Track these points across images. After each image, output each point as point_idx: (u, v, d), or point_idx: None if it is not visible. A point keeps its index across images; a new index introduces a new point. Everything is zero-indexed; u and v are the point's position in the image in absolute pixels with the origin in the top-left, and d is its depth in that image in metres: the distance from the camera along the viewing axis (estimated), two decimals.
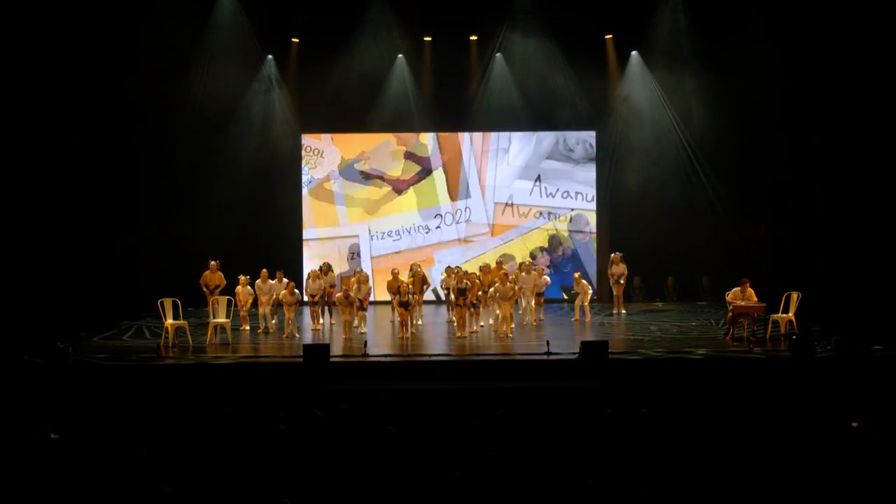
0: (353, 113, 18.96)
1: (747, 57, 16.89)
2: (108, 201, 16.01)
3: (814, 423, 8.25)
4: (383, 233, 18.50)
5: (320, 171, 18.94)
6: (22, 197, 13.68)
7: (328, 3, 18.19)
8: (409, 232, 18.51)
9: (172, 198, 18.02)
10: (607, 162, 19.37)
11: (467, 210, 18.64)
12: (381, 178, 18.88)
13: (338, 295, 14.70)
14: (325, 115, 19.02)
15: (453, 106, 19.27)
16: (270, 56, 18.88)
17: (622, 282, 17.11)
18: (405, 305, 14.37)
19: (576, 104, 18.96)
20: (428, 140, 19.05)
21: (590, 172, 19.23)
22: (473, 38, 19.07)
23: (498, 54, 19.06)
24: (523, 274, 15.59)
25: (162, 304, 13.87)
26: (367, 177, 18.82)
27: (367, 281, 14.96)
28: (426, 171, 18.92)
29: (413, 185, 18.87)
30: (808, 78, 15.31)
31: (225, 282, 15.47)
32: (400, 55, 18.94)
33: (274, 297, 14.99)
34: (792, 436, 7.78)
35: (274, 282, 15.09)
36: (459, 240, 18.43)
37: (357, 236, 18.43)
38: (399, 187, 18.83)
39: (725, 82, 17.90)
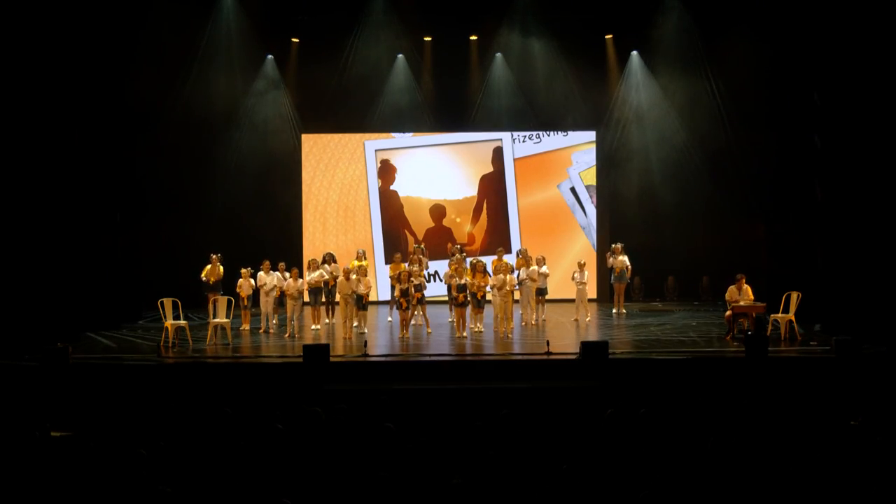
0: (353, 113, 19.01)
1: (747, 56, 16.92)
2: (109, 201, 16.01)
3: (811, 422, 8.25)
4: None
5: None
6: (22, 197, 13.67)
7: (328, 3, 18.22)
8: None
9: (173, 198, 18.06)
10: (607, 162, 19.39)
11: None
12: None
13: (339, 279, 14.69)
14: (325, 115, 19.05)
15: (453, 106, 19.30)
16: (270, 56, 18.91)
17: (627, 277, 17.06)
18: (405, 294, 14.39)
19: (576, 104, 18.99)
20: None
21: None
22: (473, 38, 19.09)
23: (498, 54, 19.08)
24: (523, 267, 15.48)
25: (162, 304, 13.87)
26: None
27: (366, 274, 14.97)
28: None
29: None
30: (807, 77, 15.30)
31: (222, 275, 15.52)
32: (400, 55, 18.96)
33: (276, 290, 15.00)
34: (790, 435, 7.78)
35: (276, 273, 15.14)
36: None
37: None
38: None
39: (725, 82, 17.95)
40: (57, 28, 13.99)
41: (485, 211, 19.46)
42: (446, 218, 19.29)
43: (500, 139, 19.42)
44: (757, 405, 9.52)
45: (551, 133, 19.43)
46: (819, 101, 14.96)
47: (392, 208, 19.39)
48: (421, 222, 19.38)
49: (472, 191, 19.44)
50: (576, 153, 19.48)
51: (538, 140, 19.42)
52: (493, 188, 19.43)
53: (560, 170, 19.49)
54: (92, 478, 6.68)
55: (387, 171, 19.45)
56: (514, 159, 19.38)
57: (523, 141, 19.41)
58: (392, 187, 19.45)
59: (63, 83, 14.25)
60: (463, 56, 19.18)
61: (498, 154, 19.44)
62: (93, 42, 14.97)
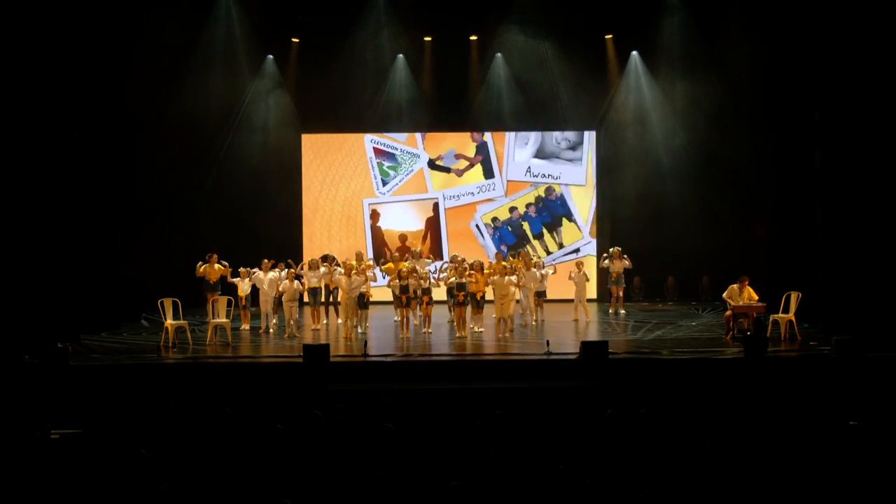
0: (353, 113, 19.01)
1: (747, 56, 16.91)
2: (108, 201, 16.02)
3: (811, 422, 8.26)
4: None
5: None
6: (22, 197, 13.68)
7: (328, 3, 18.22)
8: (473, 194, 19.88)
9: (173, 198, 18.04)
10: (607, 161, 19.39)
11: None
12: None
13: (341, 278, 14.62)
14: (325, 115, 19.05)
15: (453, 106, 19.31)
16: (270, 56, 18.92)
17: (623, 282, 17.11)
18: (405, 290, 14.39)
19: (576, 104, 19.00)
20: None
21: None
22: (473, 38, 19.10)
23: (498, 54, 19.09)
24: (524, 270, 15.43)
25: (162, 304, 13.88)
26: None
27: (365, 272, 14.95)
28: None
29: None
30: (808, 78, 15.31)
31: (229, 270, 15.56)
32: (400, 55, 18.98)
33: (276, 290, 15.00)
34: (790, 435, 7.78)
35: (274, 274, 15.14)
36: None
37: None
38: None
39: (725, 82, 17.93)
40: (57, 29, 14.00)
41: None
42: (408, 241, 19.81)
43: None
44: (756, 405, 9.52)
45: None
46: (820, 101, 14.97)
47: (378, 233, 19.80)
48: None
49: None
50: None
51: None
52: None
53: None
54: (92, 478, 6.68)
55: (374, 217, 19.75)
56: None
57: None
58: (377, 224, 19.72)
59: (63, 84, 14.26)
60: (463, 56, 19.18)
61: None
62: (93, 43, 14.98)
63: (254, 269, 15.30)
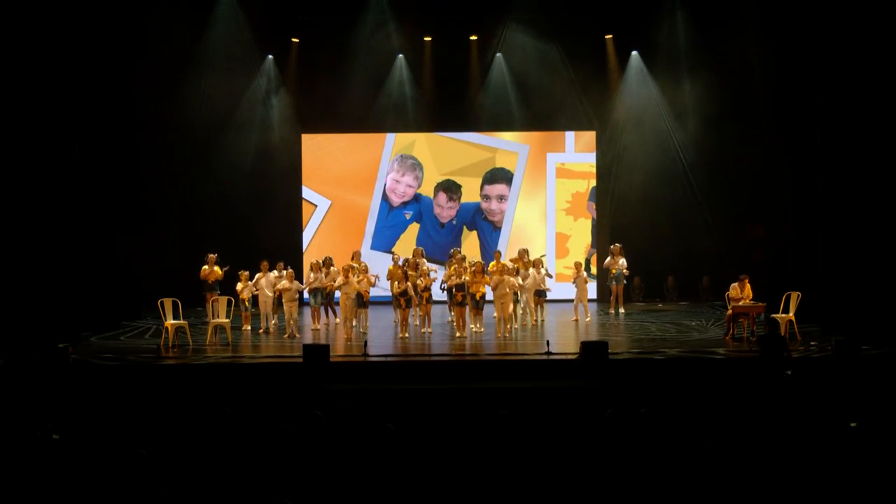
0: (353, 113, 19.00)
1: (747, 57, 16.92)
2: (109, 201, 16.01)
3: (811, 422, 8.26)
4: None
5: None
6: (23, 198, 13.68)
7: (328, 3, 18.23)
8: None
9: (173, 198, 18.06)
10: (607, 162, 19.39)
11: None
12: None
13: (339, 279, 14.59)
14: (325, 115, 19.06)
15: (453, 106, 19.31)
16: (270, 56, 18.92)
17: (622, 279, 17.04)
18: (404, 294, 14.39)
19: (576, 104, 19.01)
20: None
21: None
22: (473, 38, 19.11)
23: (498, 54, 19.10)
24: (522, 268, 15.38)
25: (162, 304, 13.87)
26: None
27: (367, 272, 14.94)
28: None
29: None
30: (808, 78, 15.31)
31: (222, 273, 15.57)
32: (400, 55, 18.98)
33: (275, 291, 14.99)
34: (790, 435, 7.78)
35: (274, 273, 15.14)
36: None
37: None
38: None
39: (725, 82, 17.94)
40: (59, 31, 14.01)
41: None
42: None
43: None
44: (756, 405, 9.52)
45: None
46: (820, 102, 14.96)
47: None
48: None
49: None
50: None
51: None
52: None
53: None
54: (92, 478, 6.68)
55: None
56: None
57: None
58: None
59: (64, 85, 14.26)
60: (463, 56, 19.19)
61: None
62: (94, 44, 14.98)
63: (266, 275, 15.24)
